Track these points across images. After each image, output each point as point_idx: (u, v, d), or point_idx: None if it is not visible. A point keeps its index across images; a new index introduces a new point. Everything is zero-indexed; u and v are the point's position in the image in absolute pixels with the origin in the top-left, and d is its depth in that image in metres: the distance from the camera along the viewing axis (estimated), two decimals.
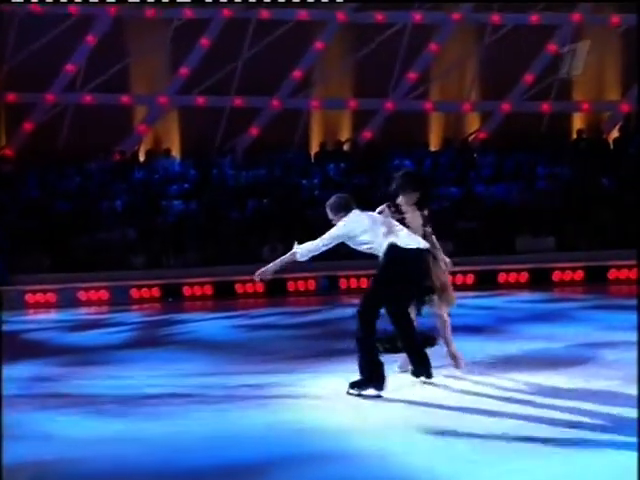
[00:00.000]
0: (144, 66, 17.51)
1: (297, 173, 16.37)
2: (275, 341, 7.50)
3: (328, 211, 5.91)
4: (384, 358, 5.22)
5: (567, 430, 4.08)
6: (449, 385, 5.22)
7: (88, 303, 12.54)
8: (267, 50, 17.40)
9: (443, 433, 4.24)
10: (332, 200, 5.91)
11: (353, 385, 5.23)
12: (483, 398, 4.89)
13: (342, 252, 6.30)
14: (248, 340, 7.68)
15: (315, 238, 6.20)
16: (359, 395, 5.09)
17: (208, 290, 12.78)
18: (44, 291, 12.51)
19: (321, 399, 4.92)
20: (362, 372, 5.19)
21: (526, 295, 11.18)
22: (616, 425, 4.13)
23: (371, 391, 5.13)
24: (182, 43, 17.42)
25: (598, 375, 5.28)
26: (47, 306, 12.39)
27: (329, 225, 11.45)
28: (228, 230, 14.21)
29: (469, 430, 4.23)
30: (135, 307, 12.24)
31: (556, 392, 4.77)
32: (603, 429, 4.05)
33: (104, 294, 12.69)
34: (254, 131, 17.72)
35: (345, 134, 18.09)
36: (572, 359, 5.78)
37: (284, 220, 14.54)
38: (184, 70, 17.49)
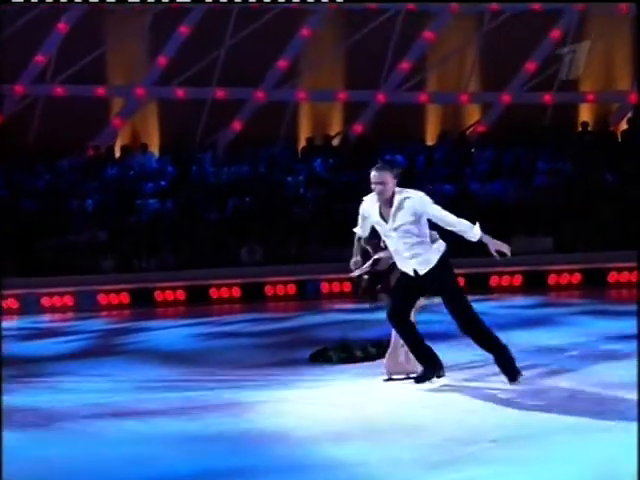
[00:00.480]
0: (120, 55, 17.47)
1: (282, 169, 16.30)
2: (235, 350, 7.44)
3: (389, 176, 5.58)
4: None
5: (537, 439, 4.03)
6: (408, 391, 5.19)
7: (52, 309, 12.50)
8: (251, 38, 17.34)
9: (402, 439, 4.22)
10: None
11: (419, 380, 5.31)
12: (448, 405, 4.85)
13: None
14: (207, 349, 7.62)
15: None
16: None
17: (181, 295, 12.72)
18: (5, 297, 12.44)
19: (269, 408, 4.88)
20: (422, 363, 5.32)
21: (518, 299, 11.10)
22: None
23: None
24: (161, 31, 17.38)
25: (559, 381, 5.32)
26: (9, 313, 12.33)
27: (314, 224, 11.16)
28: (205, 231, 14.16)
29: (435, 436, 4.22)
30: (102, 314, 12.19)
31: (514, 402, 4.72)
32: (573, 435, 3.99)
33: (69, 300, 12.64)
34: (237, 125, 17.67)
35: (335, 128, 18.02)
36: (540, 367, 5.70)
37: (266, 220, 14.49)
38: (163, 60, 17.45)
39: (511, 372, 5.32)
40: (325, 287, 12.84)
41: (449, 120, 18.20)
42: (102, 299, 12.71)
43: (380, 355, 6.40)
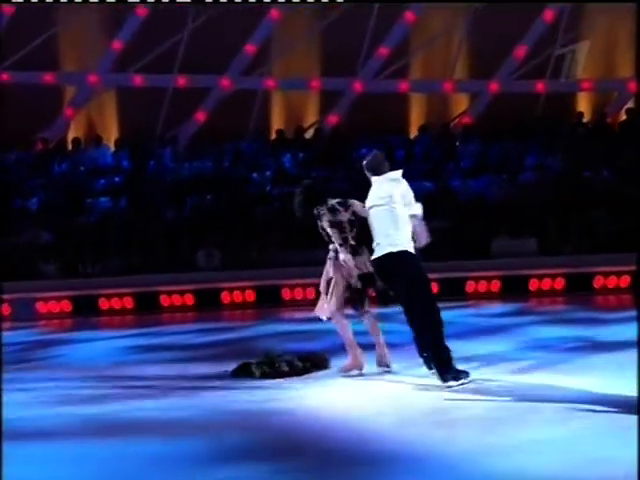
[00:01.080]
0: (72, 39, 17.27)
1: (248, 165, 16.12)
2: (167, 363, 7.29)
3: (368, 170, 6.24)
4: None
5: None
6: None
7: None
8: (216, 21, 17.17)
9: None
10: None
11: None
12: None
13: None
14: (138, 362, 7.47)
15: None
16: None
17: (128, 303, 12.53)
18: None
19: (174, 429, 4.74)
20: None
21: (494, 306, 10.96)
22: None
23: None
24: (117, 12, 17.20)
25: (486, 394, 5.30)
26: None
27: (278, 227, 11.07)
28: (159, 232, 13.97)
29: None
30: (40, 323, 12.00)
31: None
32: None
33: (4, 309, 12.44)
34: (201, 116, 17.49)
35: (308, 119, 17.87)
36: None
37: (227, 221, 14.31)
38: (118, 44, 17.26)
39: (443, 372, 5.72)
40: (286, 294, 12.66)
41: (434, 110, 18.04)
42: (41, 307, 12.51)
43: (308, 369, 6.29)
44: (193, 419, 5.12)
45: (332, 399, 5.61)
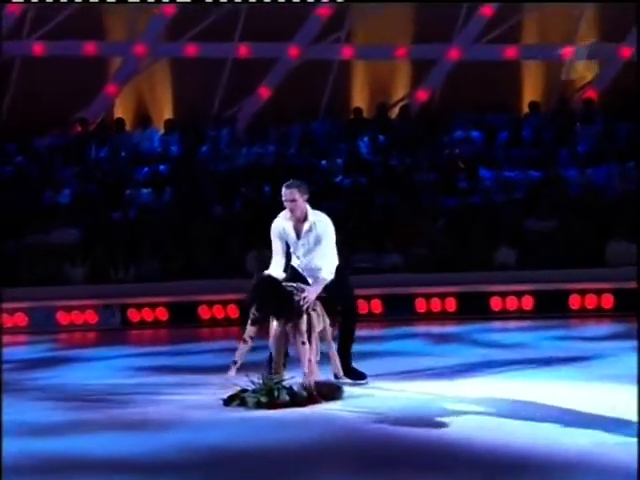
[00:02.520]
0: (116, 3, 17.73)
1: (318, 151, 16.22)
2: (144, 392, 7.49)
3: (295, 190, 7.41)
4: None
5: None
6: None
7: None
8: None
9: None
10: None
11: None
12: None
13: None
14: (111, 388, 7.71)
15: None
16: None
17: (162, 314, 12.81)
18: None
19: None
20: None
21: (603, 327, 10.82)
22: None
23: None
24: None
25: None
26: None
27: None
28: (204, 230, 14.21)
29: None
30: (59, 337, 12.42)
31: None
32: None
33: (21, 319, 12.92)
34: (264, 92, 17.69)
35: (394, 95, 17.83)
36: None
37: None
38: (170, 8, 17.63)
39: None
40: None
41: (550, 83, 17.70)
42: (62, 318, 12.93)
43: (314, 400, 6.42)
44: (156, 459, 5.23)
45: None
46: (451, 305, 12.61)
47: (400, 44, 17.59)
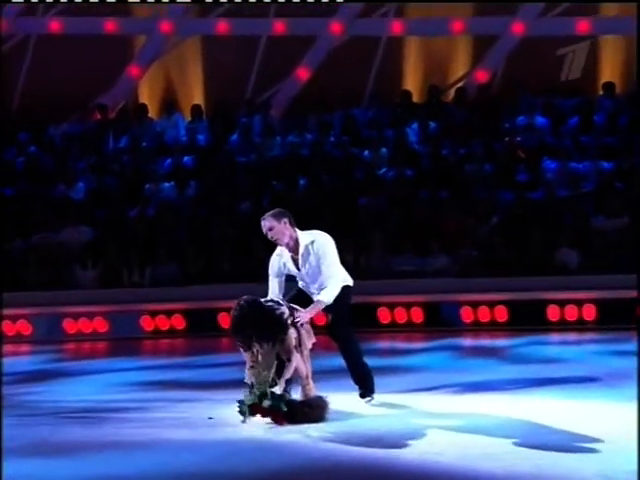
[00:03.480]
0: None
1: (361, 139, 16.32)
2: (133, 409, 7.71)
3: (270, 218, 7.71)
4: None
5: None
6: None
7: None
8: None
9: None
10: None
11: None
12: None
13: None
14: (97, 404, 7.93)
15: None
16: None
17: (178, 322, 13.05)
18: None
19: None
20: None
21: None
22: None
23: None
24: None
25: None
26: None
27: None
28: (228, 230, 14.40)
29: None
30: (66, 347, 12.72)
31: None
32: None
33: (25, 327, 13.26)
34: (302, 73, 17.84)
35: (449, 76, 17.85)
36: None
37: (319, 215, 14.54)
38: None
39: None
40: (384, 315, 12.81)
41: (631, 61, 17.53)
42: (68, 326, 13.23)
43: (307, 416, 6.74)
44: None
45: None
46: (502, 314, 12.65)
47: (457, 17, 17.60)
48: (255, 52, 17.99)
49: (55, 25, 18.13)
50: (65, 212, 15.20)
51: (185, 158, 16.37)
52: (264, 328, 6.89)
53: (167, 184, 15.86)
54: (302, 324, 7.20)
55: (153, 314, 13.09)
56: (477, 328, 12.68)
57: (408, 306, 12.73)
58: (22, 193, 15.86)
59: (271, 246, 14.32)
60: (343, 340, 7.50)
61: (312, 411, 6.88)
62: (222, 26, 17.95)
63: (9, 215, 15.19)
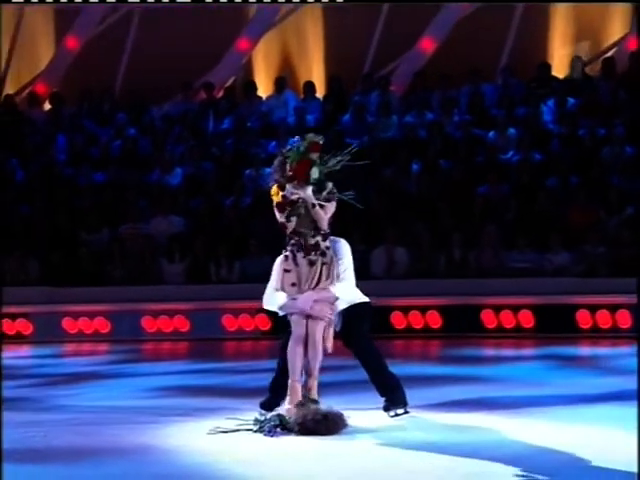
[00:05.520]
0: None
1: (486, 118, 16.29)
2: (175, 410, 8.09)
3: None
4: None
5: None
6: None
7: (77, 337, 13.81)
8: None
9: None
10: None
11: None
12: None
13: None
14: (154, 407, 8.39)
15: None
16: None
17: (264, 323, 13.37)
18: (12, 316, 13.91)
19: None
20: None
21: None
22: None
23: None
24: None
25: None
26: (17, 338, 13.82)
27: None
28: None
29: None
30: (147, 347, 13.25)
31: None
32: None
33: (103, 324, 13.84)
34: (427, 44, 17.91)
35: (601, 44, 17.59)
36: None
37: (426, 205, 14.65)
38: None
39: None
40: (489, 318, 12.85)
41: None
42: (147, 324, 13.75)
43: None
44: None
45: None
46: (625, 320, 12.50)
47: None
48: (375, 23, 18.17)
49: None
50: (158, 201, 15.72)
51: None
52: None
53: (269, 169, 16.13)
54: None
55: (236, 313, 13.45)
56: (595, 335, 12.55)
57: (516, 309, 12.71)
58: (115, 179, 16.48)
59: (373, 241, 14.57)
60: (362, 350, 7.76)
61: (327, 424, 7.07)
62: None
63: (98, 203, 15.87)
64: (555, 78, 16.94)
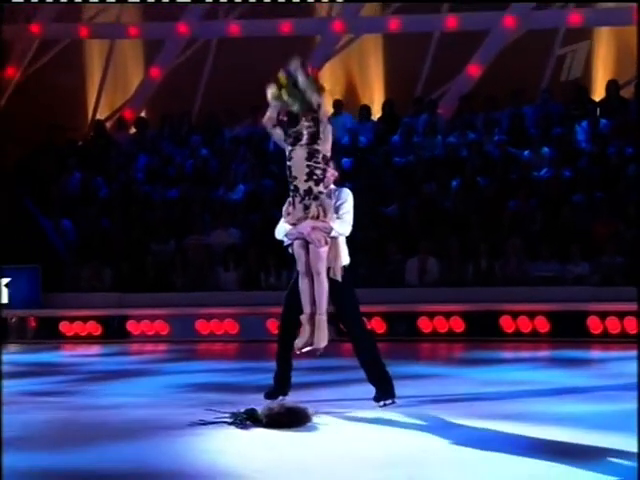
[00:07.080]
0: None
1: (523, 138, 16.50)
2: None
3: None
4: None
5: None
6: None
7: (139, 338, 14.43)
8: None
9: None
10: None
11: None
12: None
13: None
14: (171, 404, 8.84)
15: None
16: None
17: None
18: (84, 319, 14.62)
19: None
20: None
21: None
22: None
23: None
24: None
25: None
26: (88, 339, 14.51)
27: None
28: (369, 234, 14.97)
29: None
30: (201, 348, 13.77)
31: None
32: None
33: (162, 327, 14.44)
34: (473, 70, 18.19)
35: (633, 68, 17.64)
36: None
37: (458, 219, 14.91)
38: None
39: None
40: (507, 324, 13.09)
41: None
42: (201, 327, 14.30)
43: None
44: None
45: None
46: (632, 326, 12.62)
47: None
48: (427, 49, 18.52)
49: (234, 27, 19.32)
50: (220, 215, 16.31)
51: (344, 160, 17.07)
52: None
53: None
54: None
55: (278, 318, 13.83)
56: (605, 340, 12.69)
57: (532, 315, 12.94)
58: (185, 195, 17.11)
59: (407, 250, 14.82)
60: (358, 336, 8.18)
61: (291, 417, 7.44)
62: (393, 23, 18.60)
63: (168, 217, 16.52)
64: (591, 100, 17.09)
